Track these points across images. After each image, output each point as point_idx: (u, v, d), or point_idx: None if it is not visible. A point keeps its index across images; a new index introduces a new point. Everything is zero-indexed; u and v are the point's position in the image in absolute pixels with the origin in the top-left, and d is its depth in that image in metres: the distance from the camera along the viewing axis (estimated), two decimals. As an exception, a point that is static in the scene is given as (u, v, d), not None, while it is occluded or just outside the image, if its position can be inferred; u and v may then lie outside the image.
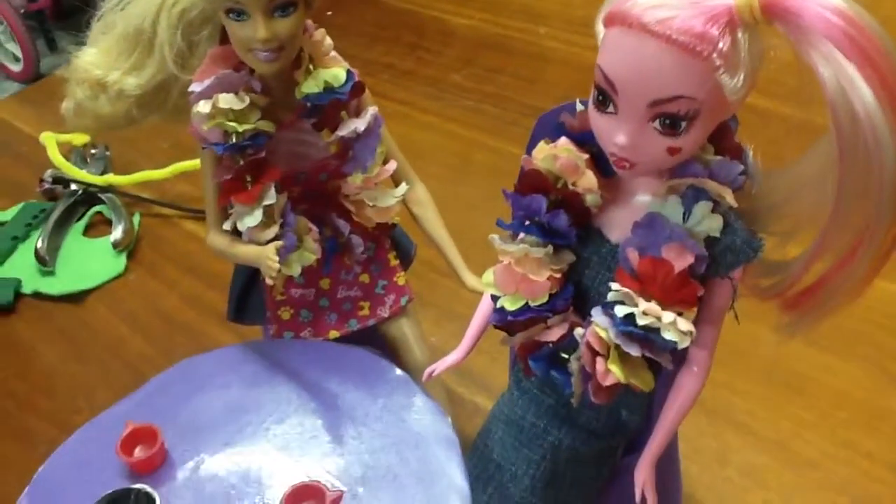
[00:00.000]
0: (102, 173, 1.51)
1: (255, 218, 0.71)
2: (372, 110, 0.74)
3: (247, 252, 0.72)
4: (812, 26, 0.42)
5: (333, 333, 0.83)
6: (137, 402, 0.77)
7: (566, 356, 0.58)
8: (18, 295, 1.31)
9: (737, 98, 0.47)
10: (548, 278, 0.56)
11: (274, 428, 0.73)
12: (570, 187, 0.55)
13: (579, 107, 0.56)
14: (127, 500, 0.66)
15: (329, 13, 1.85)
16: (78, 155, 1.55)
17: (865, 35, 0.42)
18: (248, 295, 0.84)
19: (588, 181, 0.55)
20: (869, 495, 0.92)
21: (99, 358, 1.20)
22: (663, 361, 0.53)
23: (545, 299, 0.57)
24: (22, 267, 1.36)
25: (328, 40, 0.73)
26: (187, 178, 1.47)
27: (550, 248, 0.56)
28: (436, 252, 0.81)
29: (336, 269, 0.82)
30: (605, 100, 0.49)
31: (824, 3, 0.43)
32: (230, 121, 0.69)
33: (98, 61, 0.75)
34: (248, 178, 0.71)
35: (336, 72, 0.71)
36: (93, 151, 1.55)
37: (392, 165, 0.78)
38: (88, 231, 1.45)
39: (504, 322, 0.59)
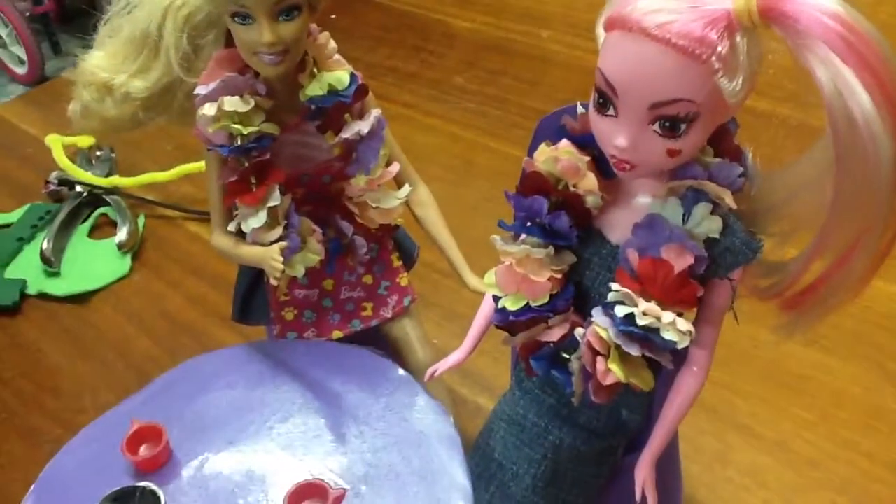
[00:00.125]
0: (107, 175, 1.51)
1: (259, 219, 0.71)
2: (375, 113, 0.75)
3: (251, 253, 0.73)
4: (809, 30, 0.43)
5: (337, 334, 0.83)
6: (142, 402, 0.78)
7: (567, 356, 0.58)
8: (24, 295, 1.32)
9: (736, 101, 0.47)
10: (549, 279, 0.57)
11: (278, 427, 0.73)
12: (571, 189, 0.56)
13: (580, 109, 0.56)
14: (132, 497, 0.67)
15: (333, 16, 1.86)
16: (83, 157, 1.55)
17: (863, 39, 0.43)
18: (252, 296, 0.84)
19: (589, 183, 0.55)
20: (869, 495, 0.92)
21: (104, 358, 1.20)
22: (663, 361, 0.54)
23: (546, 299, 0.57)
24: (27, 268, 1.36)
25: (332, 43, 0.73)
26: (191, 180, 1.48)
27: (551, 249, 0.57)
28: (438, 253, 0.82)
29: (339, 270, 0.82)
30: (605, 102, 0.50)
31: (822, 7, 0.43)
32: (235, 123, 0.69)
33: (104, 64, 0.76)
34: (253, 180, 0.72)
35: (340, 75, 0.72)
36: (98, 153, 1.56)
37: (395, 167, 0.78)
38: (93, 232, 1.45)
39: (505, 322, 0.59)
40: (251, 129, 0.70)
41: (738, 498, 0.93)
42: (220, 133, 0.70)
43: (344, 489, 0.65)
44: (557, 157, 0.56)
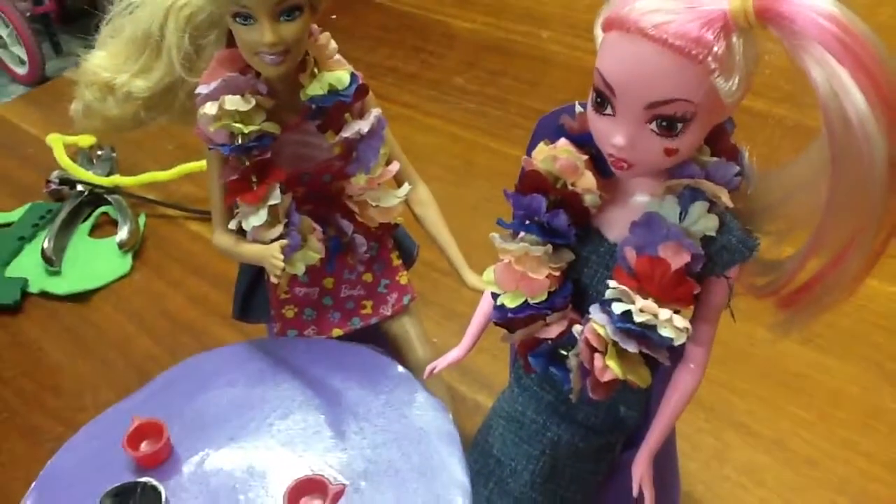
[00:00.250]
0: (108, 174, 1.52)
1: (260, 217, 0.72)
2: (375, 112, 0.75)
3: (252, 251, 0.74)
4: (805, 31, 0.43)
5: (337, 331, 0.84)
6: (143, 399, 0.78)
7: (565, 353, 0.59)
8: (25, 294, 1.32)
9: (732, 101, 0.48)
10: (547, 276, 0.57)
11: (278, 423, 0.74)
12: (570, 187, 0.56)
13: (578, 109, 0.57)
14: (133, 493, 0.67)
15: (333, 17, 1.87)
16: (84, 156, 1.56)
17: (858, 41, 0.43)
18: (252, 294, 0.85)
19: (587, 181, 0.56)
20: (867, 495, 0.92)
21: (105, 356, 1.21)
22: (660, 357, 0.54)
23: (544, 297, 0.58)
24: (29, 267, 1.37)
25: (333, 44, 0.74)
26: (192, 179, 1.48)
27: (550, 247, 0.57)
28: (438, 252, 0.82)
29: (339, 269, 0.83)
30: (603, 102, 0.50)
31: (817, 8, 0.43)
32: (236, 122, 0.70)
33: (107, 64, 0.76)
34: (254, 179, 0.72)
35: (340, 75, 0.73)
36: (99, 153, 1.57)
37: (395, 166, 0.79)
38: (94, 231, 1.46)
39: (504, 319, 0.60)
40: (252, 128, 0.70)
41: (735, 496, 0.93)
42: (221, 132, 0.71)
43: (343, 485, 0.66)
44: (556, 155, 0.56)
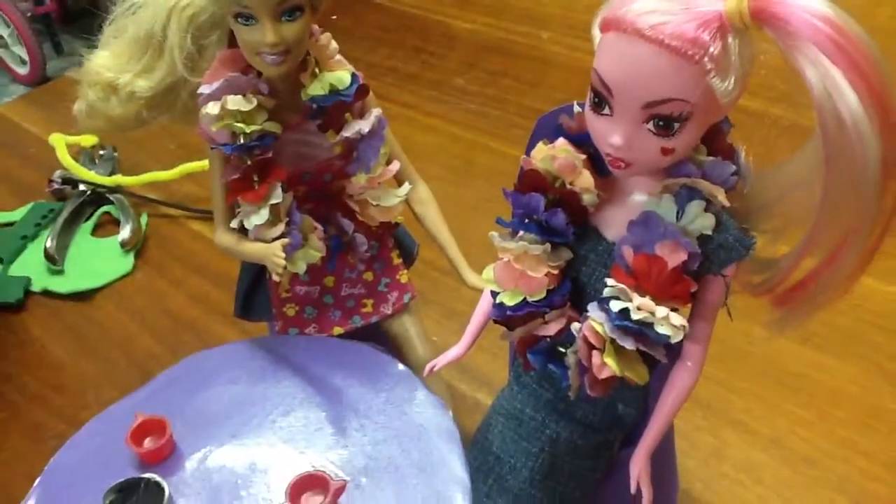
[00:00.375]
0: (110, 174, 1.52)
1: (261, 216, 0.72)
2: (376, 112, 0.76)
3: (253, 250, 0.74)
4: (799, 32, 0.44)
5: (337, 330, 0.84)
6: (146, 396, 0.79)
7: (563, 350, 0.59)
8: (28, 293, 1.33)
9: (728, 100, 0.49)
10: (546, 274, 0.58)
11: (280, 421, 0.74)
12: (568, 187, 0.57)
13: (577, 109, 0.57)
14: (136, 489, 0.67)
15: (334, 17, 1.87)
16: (86, 156, 1.57)
17: (852, 42, 0.44)
18: (254, 292, 0.85)
19: (585, 181, 0.56)
20: (867, 494, 0.93)
21: (107, 355, 1.21)
22: (657, 355, 0.55)
23: (543, 295, 0.58)
24: (31, 265, 1.37)
25: (333, 44, 0.74)
26: (194, 178, 1.49)
27: (548, 246, 0.58)
28: (438, 251, 0.83)
29: (340, 267, 0.83)
30: (600, 102, 0.51)
31: (812, 10, 0.44)
32: (238, 122, 0.70)
33: (109, 64, 0.77)
34: (255, 178, 0.73)
35: (341, 75, 0.73)
36: (101, 152, 1.57)
37: (395, 166, 0.79)
38: (97, 231, 1.47)
39: (503, 317, 0.60)
40: (254, 127, 0.71)
41: (733, 493, 0.94)
42: (223, 132, 0.71)
43: (344, 481, 0.66)
44: (554, 155, 0.57)
